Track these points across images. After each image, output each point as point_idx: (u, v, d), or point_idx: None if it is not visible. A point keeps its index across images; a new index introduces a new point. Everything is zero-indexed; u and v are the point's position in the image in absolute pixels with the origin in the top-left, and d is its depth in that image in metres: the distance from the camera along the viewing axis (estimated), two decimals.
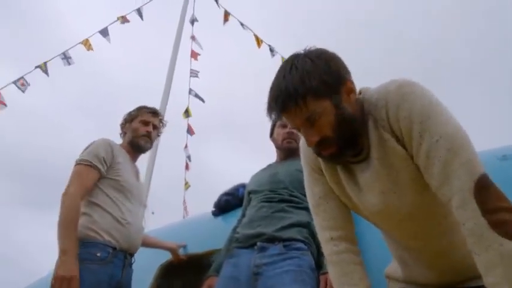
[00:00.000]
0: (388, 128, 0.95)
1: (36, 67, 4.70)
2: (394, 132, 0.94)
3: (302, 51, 1.00)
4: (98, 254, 1.78)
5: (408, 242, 1.08)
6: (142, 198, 2.15)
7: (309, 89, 0.93)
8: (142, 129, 2.13)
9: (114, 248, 1.84)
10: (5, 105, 4.51)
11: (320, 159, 1.07)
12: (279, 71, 0.99)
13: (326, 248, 1.10)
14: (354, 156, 1.03)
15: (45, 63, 4.80)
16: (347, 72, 1.00)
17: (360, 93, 1.03)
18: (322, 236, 1.12)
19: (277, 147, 2.05)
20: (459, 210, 0.84)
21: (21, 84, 4.54)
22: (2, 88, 4.51)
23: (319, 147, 0.99)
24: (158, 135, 2.28)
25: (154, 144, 4.95)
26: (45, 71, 4.79)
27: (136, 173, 2.16)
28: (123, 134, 2.20)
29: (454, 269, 1.06)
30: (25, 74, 4.62)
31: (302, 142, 1.16)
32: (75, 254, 1.69)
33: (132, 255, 1.99)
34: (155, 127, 2.19)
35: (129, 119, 2.19)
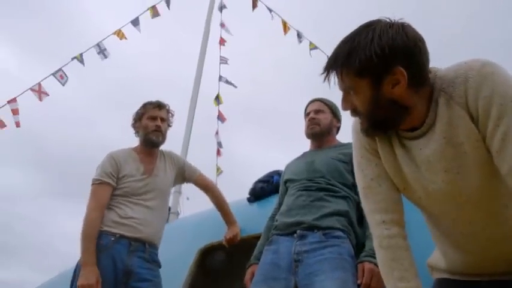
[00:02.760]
0: (464, 105, 0.92)
1: (73, 58, 4.86)
2: (470, 110, 0.92)
3: (383, 20, 0.96)
4: (101, 242, 2.00)
5: (463, 227, 1.04)
6: (159, 191, 2.20)
7: (350, 65, 0.95)
8: (151, 125, 2.25)
9: (115, 235, 2.01)
10: (48, 94, 4.70)
11: (377, 137, 1.07)
12: (348, 34, 0.98)
13: (376, 231, 1.07)
14: (410, 131, 1.01)
15: (81, 54, 4.95)
16: (409, 62, 0.93)
17: (430, 72, 1.00)
18: (372, 218, 1.09)
19: (306, 136, 2.09)
20: None
21: (60, 77, 4.71)
22: (43, 80, 4.69)
23: (353, 114, 1.04)
24: (169, 126, 2.36)
25: (187, 131, 5.09)
26: (81, 61, 4.94)
27: (151, 169, 2.23)
28: (136, 133, 2.32)
29: (504, 258, 1.04)
30: (63, 66, 4.79)
31: (354, 124, 1.14)
32: (94, 265, 1.94)
33: (143, 243, 2.06)
34: (163, 119, 2.28)
35: (138, 118, 2.31)
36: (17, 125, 4.78)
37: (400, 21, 0.97)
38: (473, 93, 0.91)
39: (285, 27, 5.99)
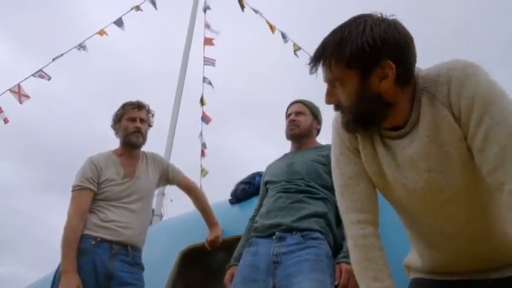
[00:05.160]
0: (447, 104, 0.93)
1: (54, 59, 4.79)
2: (453, 109, 0.93)
3: (374, 14, 0.96)
4: (81, 246, 1.96)
5: (443, 226, 1.04)
6: (141, 193, 2.17)
7: (339, 54, 0.93)
8: (130, 126, 2.21)
9: (96, 238, 1.99)
10: (29, 97, 4.64)
11: (358, 135, 1.06)
12: (338, 25, 0.97)
13: (351, 231, 1.07)
14: (393, 131, 1.01)
15: (62, 54, 4.89)
16: (398, 57, 0.93)
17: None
18: (347, 217, 1.08)
19: (286, 137, 2.11)
20: None
21: (40, 76, 4.64)
22: (22, 81, 4.62)
23: (336, 108, 1.02)
24: (150, 126, 2.33)
25: (171, 132, 5.06)
26: (61, 57, 4.90)
27: (133, 172, 2.20)
28: (116, 134, 2.28)
29: (481, 257, 1.04)
30: (43, 67, 4.72)
31: (335, 120, 1.12)
32: (74, 272, 1.89)
33: (125, 246, 2.03)
34: (143, 120, 2.25)
35: (117, 119, 2.27)
36: (5, 121, 4.76)
37: (391, 17, 0.97)
38: (456, 93, 0.92)
39: (271, 27, 6.06)
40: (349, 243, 1.08)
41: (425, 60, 1.03)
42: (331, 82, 0.99)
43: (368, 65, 0.93)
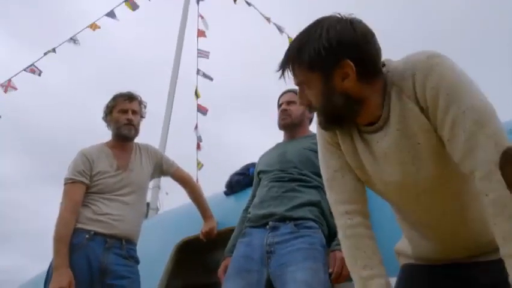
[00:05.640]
0: (413, 97, 0.95)
1: (45, 53, 4.74)
2: (419, 102, 0.94)
3: (332, 16, 0.99)
4: (75, 241, 1.95)
5: (422, 217, 1.08)
6: (135, 185, 2.16)
7: (300, 60, 0.98)
8: (122, 118, 2.17)
9: (89, 232, 1.97)
10: (16, 88, 4.60)
11: (337, 131, 1.09)
12: (300, 31, 1.02)
13: (340, 222, 1.10)
14: (368, 126, 1.03)
15: (54, 48, 4.84)
16: (358, 55, 0.95)
17: (384, 65, 1.01)
18: (336, 209, 1.11)
19: (278, 127, 2.10)
20: (483, 181, 0.85)
21: (31, 71, 4.60)
22: (13, 76, 4.58)
23: (309, 109, 1.09)
24: (142, 117, 2.29)
25: (165, 124, 5.04)
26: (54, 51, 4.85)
27: (126, 164, 2.18)
28: (108, 126, 2.25)
29: (464, 245, 1.07)
30: (35, 62, 4.68)
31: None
32: (66, 267, 1.88)
33: (119, 239, 2.02)
34: (135, 112, 2.21)
35: (108, 111, 2.23)
36: None
37: (349, 16, 0.99)
38: (421, 86, 0.93)
39: (267, 18, 6.06)
40: (340, 235, 1.10)
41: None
42: (300, 85, 1.03)
43: (327, 67, 0.96)
